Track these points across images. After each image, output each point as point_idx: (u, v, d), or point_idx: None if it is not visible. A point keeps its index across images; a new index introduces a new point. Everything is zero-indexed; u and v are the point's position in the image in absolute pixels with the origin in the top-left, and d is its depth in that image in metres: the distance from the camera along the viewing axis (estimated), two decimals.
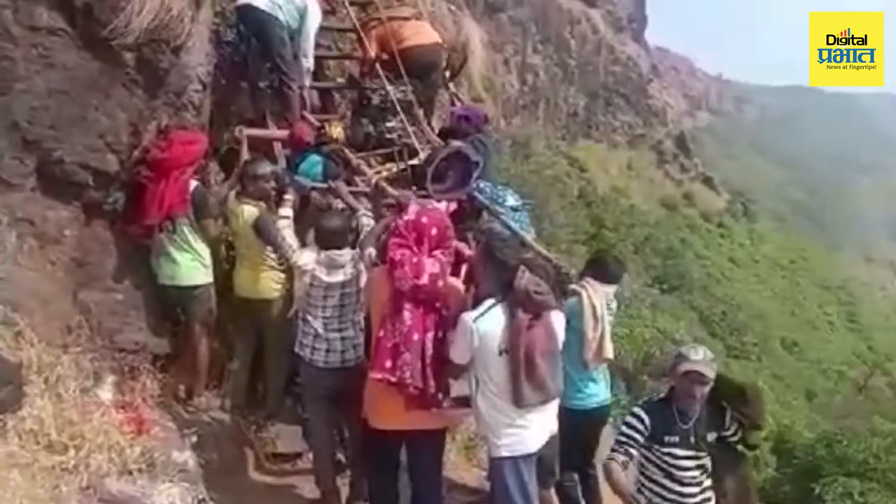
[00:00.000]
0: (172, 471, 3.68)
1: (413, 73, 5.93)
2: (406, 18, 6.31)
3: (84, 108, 4.16)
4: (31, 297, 3.92)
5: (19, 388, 3.28)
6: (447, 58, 6.96)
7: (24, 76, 3.92)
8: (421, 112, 6.07)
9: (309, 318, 4.15)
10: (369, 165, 5.35)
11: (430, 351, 3.49)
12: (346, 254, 4.16)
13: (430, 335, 3.51)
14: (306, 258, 4.21)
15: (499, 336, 3.40)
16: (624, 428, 3.62)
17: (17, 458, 3.02)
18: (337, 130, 5.34)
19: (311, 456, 4.65)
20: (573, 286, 4.41)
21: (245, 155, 5.14)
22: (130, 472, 3.43)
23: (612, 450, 3.59)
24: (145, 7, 4.12)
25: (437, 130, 6.15)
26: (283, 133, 5.40)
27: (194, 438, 4.27)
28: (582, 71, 36.18)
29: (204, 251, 4.65)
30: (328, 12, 6.10)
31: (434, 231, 3.57)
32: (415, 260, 3.44)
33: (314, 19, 5.67)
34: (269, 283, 4.68)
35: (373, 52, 5.86)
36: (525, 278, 3.48)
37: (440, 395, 3.56)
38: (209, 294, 4.73)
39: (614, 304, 4.71)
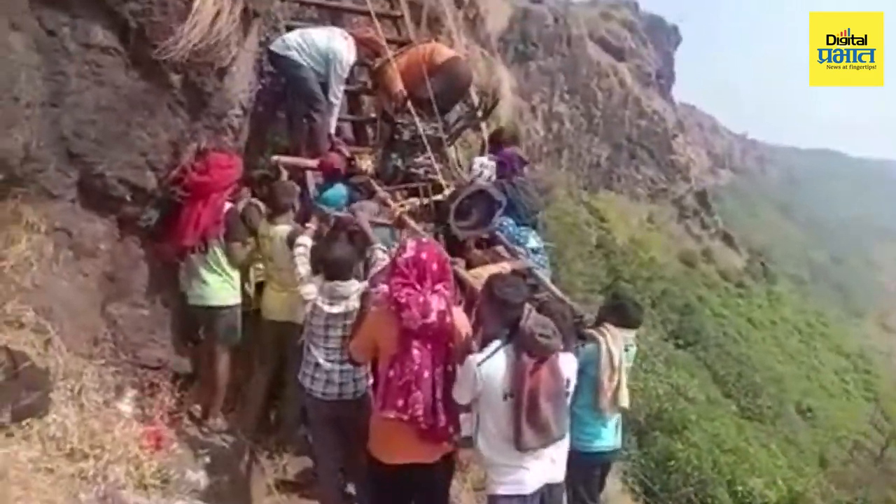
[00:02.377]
0: (185, 489, 3.70)
1: (449, 89, 6.04)
2: (435, 40, 6.46)
3: (129, 125, 4.27)
4: (62, 306, 3.97)
5: (46, 395, 3.31)
6: (479, 98, 7.08)
7: (76, 91, 4.02)
8: (452, 148, 6.13)
9: (311, 347, 4.10)
10: (394, 199, 5.42)
11: (440, 385, 3.48)
12: (350, 285, 4.10)
13: (440, 370, 3.49)
14: (309, 288, 4.16)
15: (503, 380, 3.39)
16: None
17: (39, 463, 3.04)
18: (367, 163, 5.45)
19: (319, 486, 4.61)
20: (592, 332, 4.39)
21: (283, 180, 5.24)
22: (146, 487, 3.44)
23: None
24: (195, 30, 4.24)
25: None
26: (315, 162, 5.50)
27: (207, 459, 4.28)
28: (607, 122, 36.54)
29: (234, 273, 4.72)
30: (374, 55, 6.23)
31: (435, 266, 3.52)
32: (421, 300, 3.41)
33: (342, 65, 5.77)
34: (297, 305, 4.72)
35: (398, 86, 5.97)
36: (531, 319, 3.47)
37: (451, 429, 3.55)
38: (236, 315, 4.78)
39: (633, 349, 4.68)
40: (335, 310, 4.05)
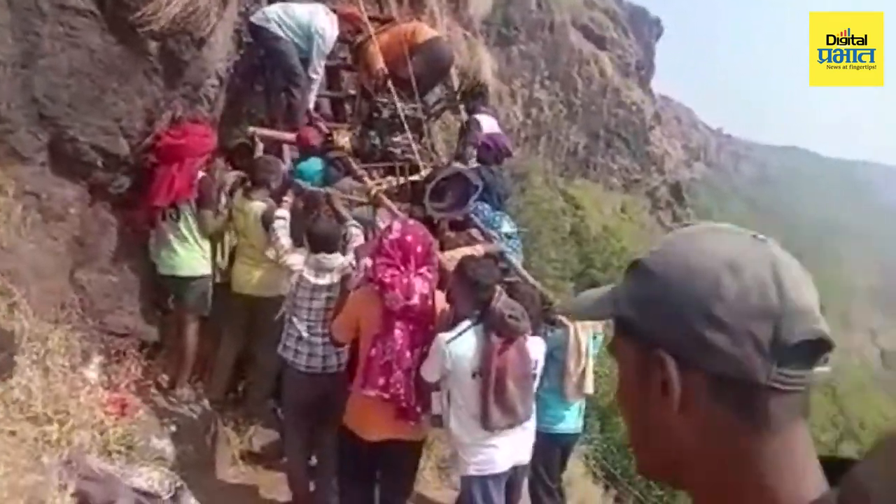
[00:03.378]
0: (150, 456, 3.71)
1: (430, 70, 6.06)
2: (418, 19, 6.45)
3: (103, 90, 4.21)
4: (29, 269, 3.94)
5: (11, 357, 3.29)
6: (460, 80, 7.08)
7: (49, 53, 3.96)
8: (430, 129, 6.15)
9: (294, 319, 4.16)
10: (371, 177, 5.42)
11: (416, 366, 3.56)
12: (334, 258, 4.17)
13: (418, 351, 3.58)
14: (295, 259, 4.24)
15: (472, 359, 3.47)
16: None
17: (2, 425, 3.02)
18: (344, 139, 5.44)
19: (285, 459, 4.66)
20: (561, 318, 4.47)
21: (259, 153, 5.21)
22: (110, 453, 3.45)
23: None
24: None
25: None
26: (293, 136, 5.49)
27: (173, 428, 4.29)
28: (586, 111, 36.60)
29: (204, 243, 4.70)
30: (355, 31, 6.19)
31: (419, 248, 3.59)
32: (405, 281, 3.48)
33: (325, 42, 5.75)
34: (268, 281, 4.73)
35: (379, 64, 5.95)
36: (501, 301, 3.55)
37: (419, 409, 3.62)
38: (206, 286, 4.76)
39: (601, 337, 4.78)
40: (321, 281, 4.12)
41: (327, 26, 5.73)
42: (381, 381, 3.48)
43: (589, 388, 4.61)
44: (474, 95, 6.49)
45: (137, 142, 4.46)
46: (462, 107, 6.67)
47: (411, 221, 3.97)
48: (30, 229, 4.02)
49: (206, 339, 5.03)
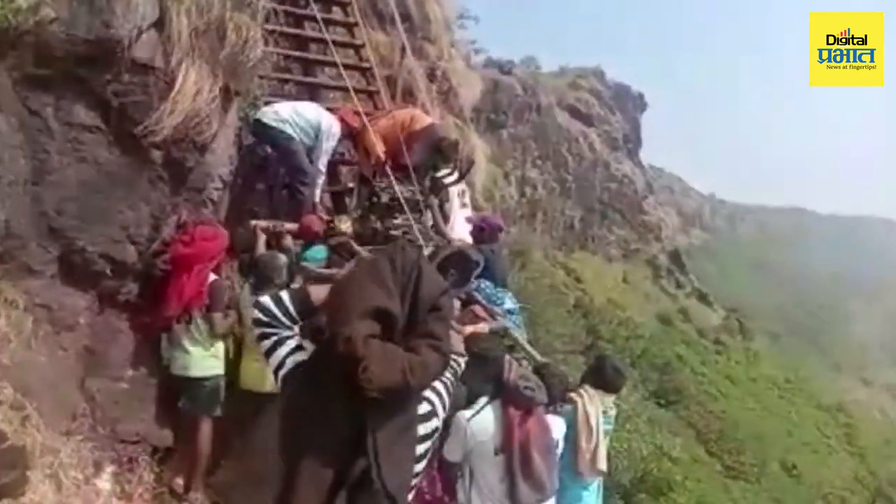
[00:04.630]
0: None
1: (431, 153, 6.26)
2: (412, 107, 6.67)
3: (110, 200, 4.34)
4: (40, 382, 3.94)
5: (24, 474, 3.25)
6: (455, 162, 7.26)
7: (57, 168, 4.09)
8: (437, 206, 6.27)
9: None
10: None
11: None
12: None
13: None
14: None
15: (493, 436, 3.44)
16: None
17: None
18: (345, 224, 5.57)
19: None
20: (570, 393, 4.44)
21: (261, 249, 5.30)
22: None
23: None
24: (176, 108, 4.36)
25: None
26: (294, 225, 5.61)
27: None
28: (578, 186, 37.23)
29: (216, 343, 4.73)
30: (349, 131, 6.42)
31: None
32: None
33: (330, 139, 5.99)
34: None
35: (380, 149, 6.13)
36: (514, 372, 3.56)
37: (446, 499, 3.54)
38: (219, 386, 4.76)
39: (613, 412, 4.70)
40: None
41: (333, 125, 5.96)
42: None
43: (602, 464, 4.49)
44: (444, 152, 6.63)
45: (145, 248, 4.55)
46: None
47: None
48: (41, 342, 4.04)
49: (217, 438, 4.98)
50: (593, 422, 4.36)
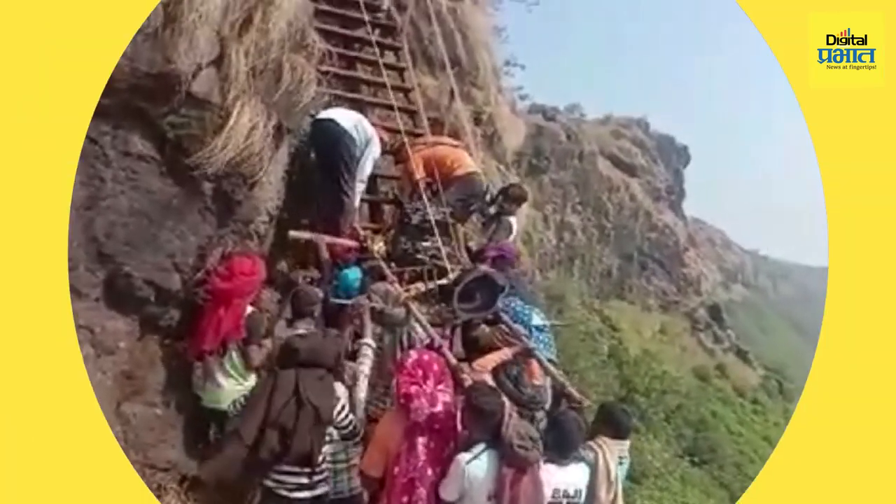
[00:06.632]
0: None
1: (462, 202, 6.37)
2: (453, 146, 6.72)
3: (159, 228, 4.44)
4: None
5: None
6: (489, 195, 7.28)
7: (111, 195, 4.20)
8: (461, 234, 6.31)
9: None
10: (401, 282, 5.49)
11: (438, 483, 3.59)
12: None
13: (439, 469, 3.61)
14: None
15: (487, 483, 3.51)
16: None
17: None
18: (378, 245, 5.64)
19: None
20: (589, 444, 4.35)
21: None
22: None
23: None
24: (230, 143, 4.47)
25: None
26: (332, 238, 5.65)
27: None
28: (618, 234, 37.07)
29: (249, 376, 4.74)
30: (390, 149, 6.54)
31: (436, 367, 3.82)
32: (428, 391, 3.65)
33: (374, 152, 6.06)
34: None
35: (418, 174, 6.19)
36: (511, 427, 3.58)
37: None
38: None
39: (627, 461, 4.60)
40: None
41: (376, 135, 6.09)
42: (405, 499, 3.51)
43: None
44: (514, 198, 6.83)
45: (189, 276, 4.63)
46: (494, 205, 6.91)
47: (426, 355, 4.01)
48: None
49: None
50: (612, 475, 4.29)
